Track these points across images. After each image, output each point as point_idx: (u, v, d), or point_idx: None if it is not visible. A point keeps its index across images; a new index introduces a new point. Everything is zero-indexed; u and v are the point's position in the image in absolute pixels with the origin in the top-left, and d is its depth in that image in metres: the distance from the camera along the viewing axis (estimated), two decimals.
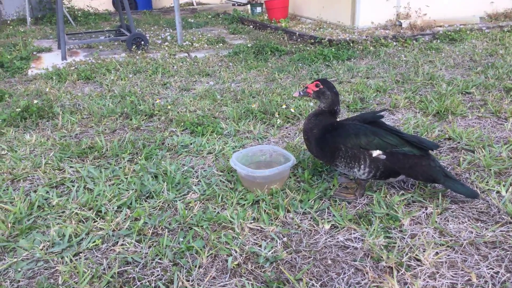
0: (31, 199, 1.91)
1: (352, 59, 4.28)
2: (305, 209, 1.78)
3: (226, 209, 1.81)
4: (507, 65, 3.72)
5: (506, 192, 1.82)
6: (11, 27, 7.10)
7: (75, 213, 1.80)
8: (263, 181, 1.88)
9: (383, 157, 1.74)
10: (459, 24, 5.34)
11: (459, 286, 1.35)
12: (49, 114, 2.96)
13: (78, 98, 3.32)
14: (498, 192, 1.84)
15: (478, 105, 2.86)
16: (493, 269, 1.41)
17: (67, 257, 1.53)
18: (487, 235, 1.57)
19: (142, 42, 4.91)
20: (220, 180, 2.05)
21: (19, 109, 2.93)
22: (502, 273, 1.39)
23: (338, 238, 1.61)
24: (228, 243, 1.59)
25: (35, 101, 3.05)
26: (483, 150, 2.18)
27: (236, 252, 1.55)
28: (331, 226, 1.68)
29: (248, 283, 1.39)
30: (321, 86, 1.87)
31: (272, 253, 1.53)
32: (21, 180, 2.13)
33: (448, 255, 1.48)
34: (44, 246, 1.60)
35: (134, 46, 4.88)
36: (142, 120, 2.84)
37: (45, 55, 5.00)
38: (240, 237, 1.62)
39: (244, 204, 1.84)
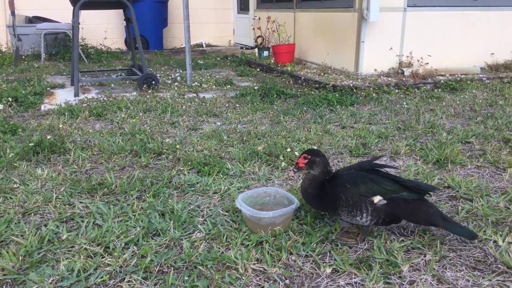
0: (41, 233, 1.98)
1: (355, 105, 4.41)
2: (307, 252, 1.83)
3: (230, 249, 1.86)
4: (506, 116, 3.83)
5: (503, 241, 1.87)
6: (25, 62, 7.34)
7: (84, 248, 1.86)
8: (267, 222, 1.94)
9: (384, 202, 1.81)
10: (460, 74, 5.51)
11: None
12: (60, 150, 3.06)
13: (89, 134, 3.43)
14: (495, 241, 1.89)
15: (477, 155, 2.95)
16: None
17: None
18: (484, 284, 1.61)
19: (153, 82, 5.08)
20: (225, 220, 2.12)
21: (32, 144, 3.03)
22: None
23: (339, 282, 1.65)
24: (232, 284, 1.64)
25: (48, 137, 3.15)
26: (481, 200, 2.25)
27: None
28: (332, 270, 1.72)
29: None
30: (309, 157, 1.96)
31: None
32: (32, 214, 2.20)
33: None
34: (53, 280, 1.65)
35: (145, 86, 5.05)
36: (151, 158, 2.93)
37: (58, 91, 5.17)
38: (243, 277, 1.67)
39: (248, 245, 1.89)
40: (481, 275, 1.67)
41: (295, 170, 2.00)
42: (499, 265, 1.73)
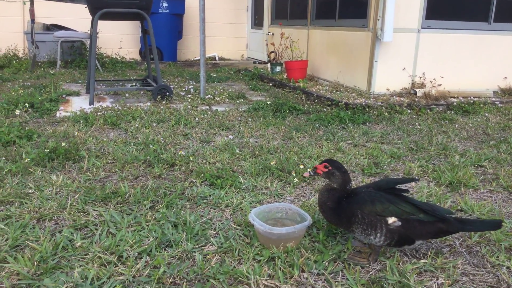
0: (56, 239, 2.00)
1: (367, 123, 4.42)
2: (320, 270, 1.83)
3: (242, 264, 1.87)
4: None
5: None
6: (42, 69, 7.46)
7: (98, 256, 1.88)
8: (279, 238, 1.95)
9: (399, 223, 1.82)
10: (473, 97, 5.51)
11: None
12: (75, 157, 3.09)
13: (103, 143, 3.47)
14: (508, 267, 1.88)
15: (490, 179, 2.94)
16: None
17: None
18: None
19: (167, 93, 5.14)
20: (237, 234, 2.13)
21: (47, 150, 3.07)
22: None
23: None
24: None
25: (63, 144, 3.20)
26: None
27: None
28: None
29: None
30: (330, 168, 1.95)
31: None
32: (47, 220, 2.22)
33: None
34: (67, 287, 1.67)
35: (159, 97, 5.11)
36: (164, 169, 2.96)
37: (74, 98, 5.24)
38: None
39: (260, 260, 1.90)
40: None
41: (312, 173, 2.00)
42: None
